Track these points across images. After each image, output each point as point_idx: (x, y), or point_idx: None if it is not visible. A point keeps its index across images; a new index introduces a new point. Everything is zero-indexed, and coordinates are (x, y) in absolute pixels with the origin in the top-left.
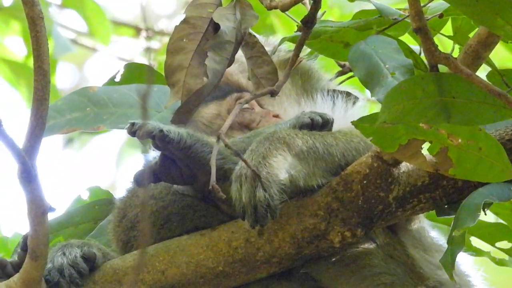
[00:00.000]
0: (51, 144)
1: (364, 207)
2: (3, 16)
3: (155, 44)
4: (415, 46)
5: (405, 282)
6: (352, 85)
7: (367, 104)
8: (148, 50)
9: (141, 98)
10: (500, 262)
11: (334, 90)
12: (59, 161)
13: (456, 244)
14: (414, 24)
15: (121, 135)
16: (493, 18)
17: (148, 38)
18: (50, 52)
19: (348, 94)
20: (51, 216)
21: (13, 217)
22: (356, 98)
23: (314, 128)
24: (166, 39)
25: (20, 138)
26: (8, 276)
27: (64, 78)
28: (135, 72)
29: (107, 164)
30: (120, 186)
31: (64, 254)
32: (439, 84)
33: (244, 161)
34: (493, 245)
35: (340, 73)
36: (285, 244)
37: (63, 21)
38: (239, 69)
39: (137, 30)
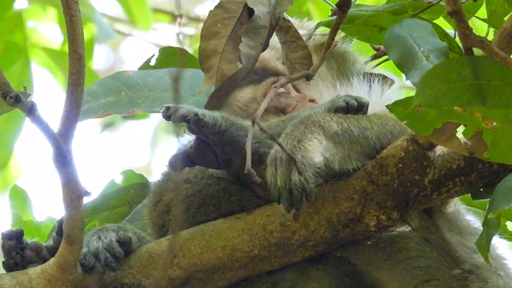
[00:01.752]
0: (87, 129)
1: (399, 190)
2: (40, 3)
3: (191, 30)
4: (450, 30)
5: (440, 265)
6: (387, 69)
7: (402, 87)
8: (182, 35)
9: (174, 81)
10: None
11: (370, 73)
12: (94, 145)
13: (492, 227)
14: (449, 7)
15: (155, 118)
16: None
17: (183, 24)
18: (91, 38)
19: (384, 77)
20: (86, 200)
21: (46, 202)
22: (392, 81)
23: (349, 111)
24: (201, 26)
25: (55, 123)
26: (44, 260)
27: (98, 60)
28: (169, 56)
29: (142, 147)
30: (154, 169)
31: (99, 238)
32: (474, 67)
33: (279, 144)
34: None
35: (375, 57)
36: (320, 227)
37: (99, 7)
38: (276, 55)
39: (173, 17)
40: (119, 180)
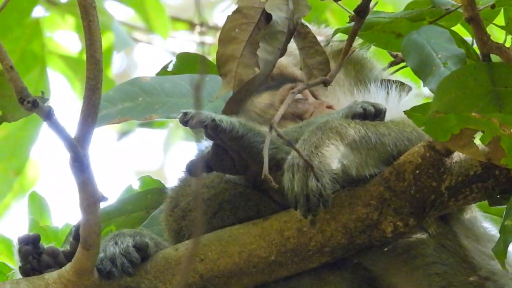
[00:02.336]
0: (102, 135)
1: (416, 196)
2: (59, 11)
3: (209, 38)
4: (468, 38)
5: (457, 272)
6: (404, 75)
7: (420, 94)
8: (202, 42)
9: (193, 87)
10: None
11: (387, 80)
12: (107, 149)
13: (509, 233)
14: (466, 14)
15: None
16: None
17: (201, 28)
18: (109, 46)
19: (401, 84)
20: (103, 205)
21: (64, 207)
22: (410, 87)
23: (366, 118)
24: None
25: (72, 129)
26: (60, 265)
27: (112, 64)
28: (187, 62)
29: (154, 151)
30: (167, 173)
31: (116, 243)
32: (491, 73)
33: (297, 150)
34: None
35: (393, 63)
36: (337, 233)
37: (117, 15)
38: (293, 61)
39: (191, 24)
40: (136, 185)
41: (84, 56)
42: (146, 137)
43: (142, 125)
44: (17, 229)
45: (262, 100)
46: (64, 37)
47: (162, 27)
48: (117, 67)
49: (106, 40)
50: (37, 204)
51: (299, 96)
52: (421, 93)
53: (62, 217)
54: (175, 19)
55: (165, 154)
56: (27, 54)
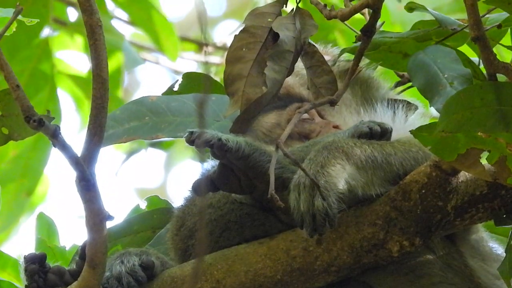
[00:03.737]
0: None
1: (422, 216)
2: (68, 31)
3: (216, 59)
4: (474, 58)
5: None
6: (411, 95)
7: (427, 114)
8: (206, 61)
9: (197, 105)
10: None
11: (394, 100)
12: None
13: None
14: (473, 33)
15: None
16: None
17: (209, 52)
18: (119, 66)
19: (408, 103)
20: (109, 225)
21: (71, 227)
22: (416, 107)
23: (372, 137)
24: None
25: (79, 148)
26: (66, 284)
27: (122, 84)
28: (194, 82)
29: (156, 169)
30: (169, 191)
31: (122, 262)
32: (497, 93)
33: (303, 170)
34: None
35: (399, 83)
36: (343, 253)
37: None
38: (300, 82)
39: (199, 45)
40: (143, 205)
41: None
42: (147, 156)
43: (152, 145)
44: (25, 248)
45: (268, 119)
46: (73, 57)
47: (172, 48)
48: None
49: (116, 59)
50: (45, 225)
51: (305, 115)
52: (428, 113)
53: (70, 238)
54: (183, 39)
55: (167, 173)
56: (37, 74)
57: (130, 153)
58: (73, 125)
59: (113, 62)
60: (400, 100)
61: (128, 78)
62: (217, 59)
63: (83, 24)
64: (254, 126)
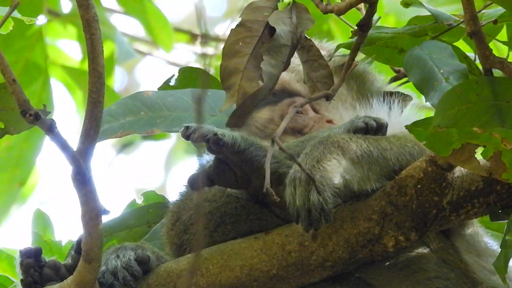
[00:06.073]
0: (104, 149)
1: (418, 211)
2: (60, 22)
3: (211, 50)
4: (470, 53)
5: (458, 286)
6: (406, 91)
7: (421, 107)
8: (203, 55)
9: (195, 101)
10: None
11: (389, 93)
12: (108, 165)
13: (510, 248)
14: (469, 28)
15: (170, 139)
16: None
17: (203, 43)
18: (111, 57)
19: (404, 97)
20: (105, 219)
21: (67, 222)
22: (411, 98)
23: (368, 132)
24: (221, 45)
25: (74, 142)
26: (62, 278)
27: (114, 75)
28: (189, 77)
29: (156, 168)
30: (169, 188)
31: (118, 256)
32: (493, 88)
33: (299, 164)
34: None
35: (395, 79)
36: (339, 248)
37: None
38: (295, 77)
39: (192, 36)
40: (140, 200)
41: (86, 66)
42: (147, 155)
43: (145, 137)
44: (16, 239)
45: (262, 115)
46: (65, 45)
47: (166, 39)
48: (118, 84)
49: (108, 51)
50: (41, 221)
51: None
52: (422, 105)
53: (65, 233)
54: (177, 30)
55: (167, 172)
56: (30, 65)
57: (124, 145)
58: (66, 115)
59: (105, 54)
60: (395, 93)
61: (128, 78)
62: (212, 50)
63: (76, 15)
64: (249, 121)
